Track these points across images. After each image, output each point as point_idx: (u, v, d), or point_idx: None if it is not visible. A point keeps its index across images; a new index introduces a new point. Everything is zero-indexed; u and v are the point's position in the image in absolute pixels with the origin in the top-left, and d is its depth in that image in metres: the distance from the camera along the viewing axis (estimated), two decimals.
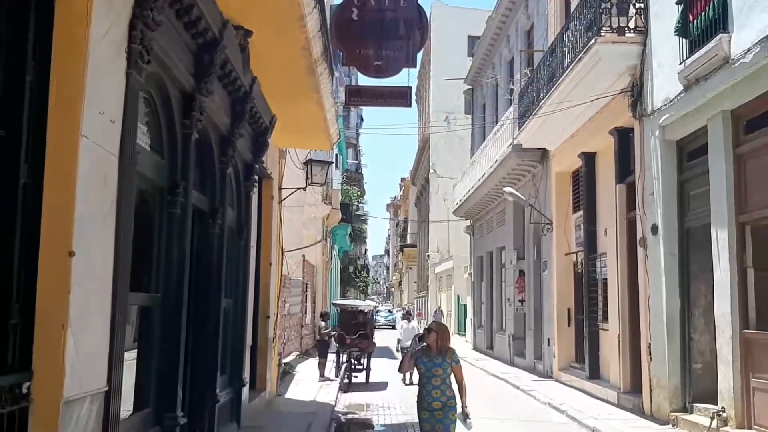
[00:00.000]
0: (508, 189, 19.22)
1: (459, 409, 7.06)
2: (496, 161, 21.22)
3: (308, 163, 14.33)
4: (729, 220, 9.59)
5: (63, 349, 4.39)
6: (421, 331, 18.97)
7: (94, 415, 4.87)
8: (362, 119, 66.92)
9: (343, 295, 47.38)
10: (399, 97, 10.82)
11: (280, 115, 10.70)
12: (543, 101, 15.02)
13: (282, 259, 14.18)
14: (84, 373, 4.68)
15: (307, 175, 14.27)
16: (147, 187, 6.53)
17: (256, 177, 10.65)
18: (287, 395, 14.18)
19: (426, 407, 7.00)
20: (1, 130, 4.44)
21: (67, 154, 4.52)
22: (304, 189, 14.28)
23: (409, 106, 10.85)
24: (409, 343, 17.42)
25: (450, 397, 7.01)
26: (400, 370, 7.43)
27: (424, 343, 7.20)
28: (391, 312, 51.06)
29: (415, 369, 7.21)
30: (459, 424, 7.03)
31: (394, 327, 20.28)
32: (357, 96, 12.42)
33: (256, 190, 10.99)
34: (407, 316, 20.62)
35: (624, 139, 13.33)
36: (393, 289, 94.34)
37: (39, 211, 4.46)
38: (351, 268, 59.39)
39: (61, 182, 4.50)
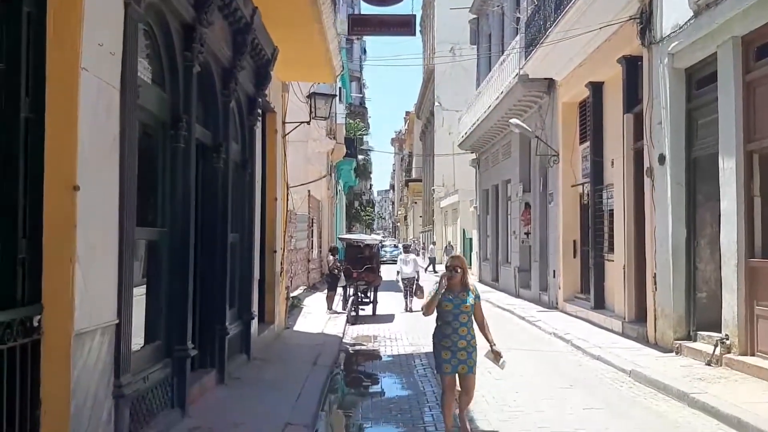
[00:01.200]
0: (514, 120, 19.03)
1: (483, 350, 6.71)
2: (501, 92, 20.96)
3: (311, 96, 14.17)
4: (737, 149, 9.49)
5: (72, 283, 4.42)
6: (420, 264, 19.64)
7: (106, 347, 4.95)
8: (366, 52, 65.94)
9: (349, 231, 47.60)
10: (403, 25, 10.61)
11: (282, 48, 10.53)
12: (550, 30, 14.73)
13: (287, 194, 14.18)
14: (94, 306, 4.72)
15: (310, 109, 14.13)
16: (150, 121, 6.47)
17: (260, 111, 10.55)
18: (296, 328, 14.38)
19: (449, 347, 6.51)
20: (1, 63, 4.38)
21: (67, 87, 4.46)
22: (308, 123, 14.17)
23: (414, 34, 10.64)
24: (409, 272, 18.52)
25: (473, 336, 6.59)
26: (425, 313, 6.77)
27: (444, 282, 6.60)
28: (397, 247, 51.43)
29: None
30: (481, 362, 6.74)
31: None
32: (360, 25, 12.18)
33: (259, 124, 10.90)
34: (407, 249, 21.46)
35: (632, 67, 13.12)
36: (398, 224, 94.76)
37: (42, 145, 4.43)
38: (356, 204, 59.50)
39: (63, 116, 4.46)
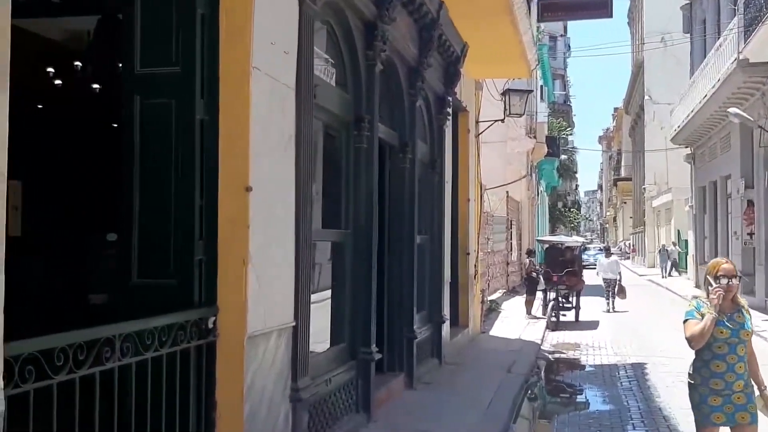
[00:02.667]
0: (733, 110, 17.28)
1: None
2: (718, 80, 19.14)
3: (506, 93, 13.70)
4: None
5: (245, 285, 4.38)
6: (618, 266, 19.05)
7: (282, 350, 4.88)
8: (570, 48, 63.93)
9: (552, 233, 46.23)
10: (598, 7, 9.83)
11: (472, 43, 10.19)
12: None
13: (481, 194, 13.80)
14: (268, 308, 4.66)
15: (505, 107, 13.67)
16: (331, 122, 6.42)
17: (449, 110, 10.27)
18: (491, 332, 13.97)
19: (721, 390, 4.55)
20: (177, 66, 4.45)
21: (239, 87, 4.44)
22: (502, 121, 13.70)
23: (610, 16, 9.85)
24: (610, 274, 19.19)
25: (748, 373, 4.65)
26: (694, 346, 4.61)
27: (717, 298, 4.52)
28: (601, 251, 49.21)
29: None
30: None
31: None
32: (551, 10, 11.50)
33: (449, 123, 10.65)
34: (608, 251, 22.40)
35: None
36: (607, 226, 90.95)
37: (216, 146, 4.44)
38: (560, 205, 57.68)
39: (236, 116, 4.44)
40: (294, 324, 5.02)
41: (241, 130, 4.42)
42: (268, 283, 4.64)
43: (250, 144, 4.42)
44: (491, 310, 17.13)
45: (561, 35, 64.04)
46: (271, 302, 4.71)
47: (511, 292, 22.47)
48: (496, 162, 23.11)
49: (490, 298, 17.93)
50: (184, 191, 4.42)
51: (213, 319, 4.34)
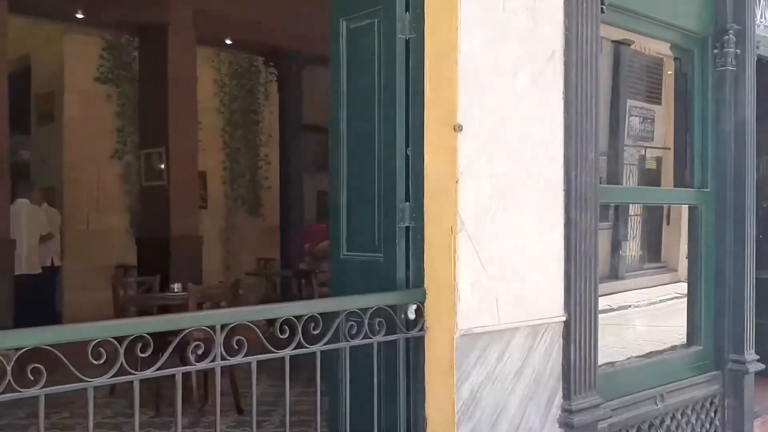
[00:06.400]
0: None
1: None
2: None
3: None
4: None
5: (453, 261, 3.12)
6: None
7: (541, 354, 3.46)
8: None
9: None
10: None
11: None
12: None
13: None
14: (509, 296, 3.30)
15: None
16: (662, 35, 4.60)
17: None
18: None
19: None
20: None
21: None
22: None
23: None
24: None
25: None
26: None
27: None
28: None
29: None
30: None
31: None
32: None
33: None
34: None
35: None
36: None
37: (423, 73, 3.26)
38: None
39: (443, 27, 3.19)
40: (564, 318, 3.54)
41: (447, 45, 3.15)
42: (504, 260, 3.28)
43: (460, 63, 3.11)
44: None
45: None
46: (515, 288, 3.33)
47: None
48: None
49: None
50: (387, 137, 3.35)
51: (414, 307, 3.19)
